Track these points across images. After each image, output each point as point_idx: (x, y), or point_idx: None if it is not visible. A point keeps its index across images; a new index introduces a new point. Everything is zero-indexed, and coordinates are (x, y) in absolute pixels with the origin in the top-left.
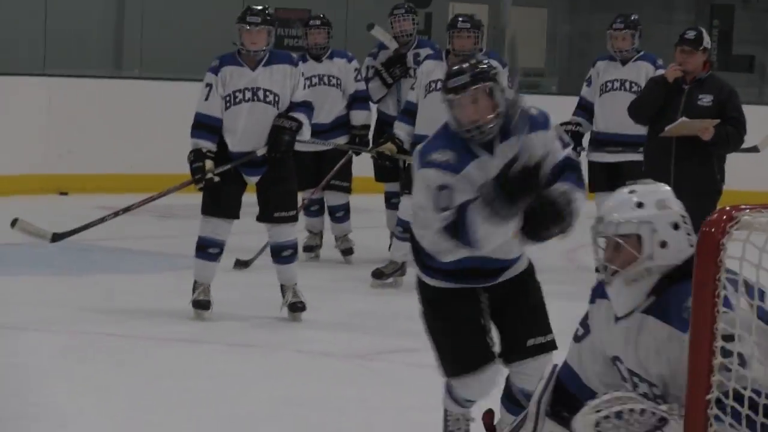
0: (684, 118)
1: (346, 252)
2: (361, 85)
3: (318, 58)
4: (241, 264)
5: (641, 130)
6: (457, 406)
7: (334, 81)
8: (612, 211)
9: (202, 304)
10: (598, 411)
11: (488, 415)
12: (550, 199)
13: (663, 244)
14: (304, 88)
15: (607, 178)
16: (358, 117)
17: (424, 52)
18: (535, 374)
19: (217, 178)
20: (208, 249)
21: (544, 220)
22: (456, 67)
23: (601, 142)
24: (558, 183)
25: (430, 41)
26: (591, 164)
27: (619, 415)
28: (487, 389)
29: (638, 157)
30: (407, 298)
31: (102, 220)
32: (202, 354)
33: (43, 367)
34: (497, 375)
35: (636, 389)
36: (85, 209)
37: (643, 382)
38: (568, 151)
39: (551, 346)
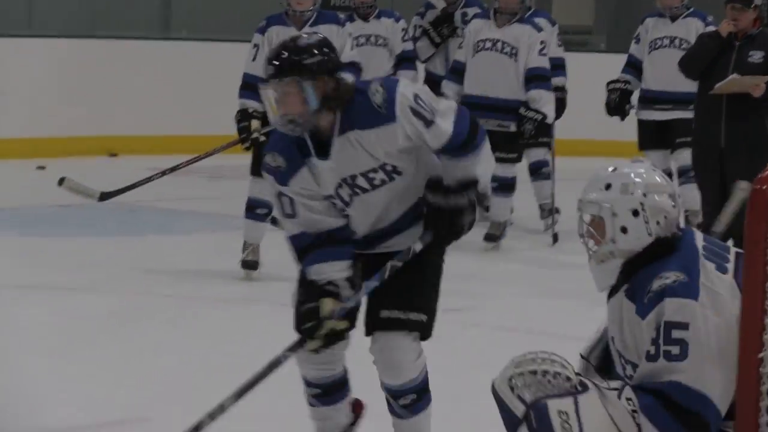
0: (734, 75)
1: None
2: (408, 45)
3: (365, 18)
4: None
5: (691, 87)
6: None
7: (381, 41)
8: (586, 188)
9: (250, 265)
10: (517, 367)
11: (357, 405)
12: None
13: (623, 230)
14: (351, 48)
15: (656, 136)
16: (404, 77)
17: (472, 11)
18: (384, 356)
19: (263, 138)
20: (256, 209)
21: (446, 232)
22: (273, 52)
23: (650, 99)
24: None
25: (478, 0)
26: (640, 122)
27: (533, 373)
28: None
29: (688, 114)
30: (455, 256)
31: (149, 179)
32: (251, 314)
33: (94, 328)
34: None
35: (625, 371)
36: (134, 171)
37: (628, 364)
38: (439, 126)
39: (410, 325)
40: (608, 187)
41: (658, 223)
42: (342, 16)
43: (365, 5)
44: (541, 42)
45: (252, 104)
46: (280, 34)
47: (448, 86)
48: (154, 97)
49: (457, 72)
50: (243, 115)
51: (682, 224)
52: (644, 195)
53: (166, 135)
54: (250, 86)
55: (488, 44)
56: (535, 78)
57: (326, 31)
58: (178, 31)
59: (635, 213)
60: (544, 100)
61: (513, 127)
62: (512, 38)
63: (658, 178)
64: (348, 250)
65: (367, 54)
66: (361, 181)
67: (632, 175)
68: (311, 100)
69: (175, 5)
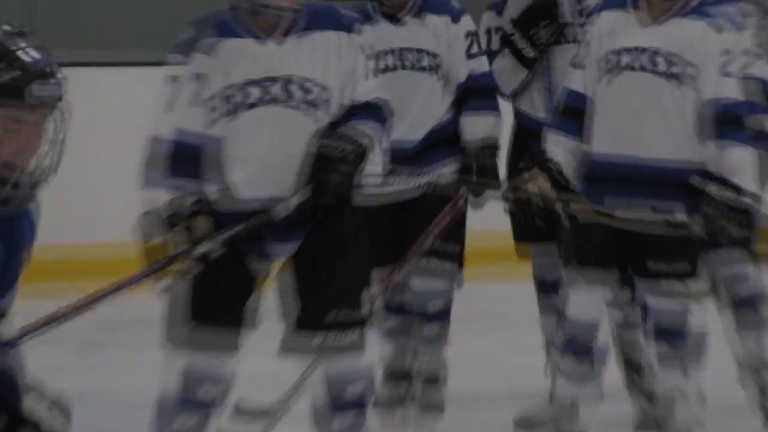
0: None
1: (430, 381)
2: (480, 65)
3: (394, 16)
4: (252, 415)
5: None
6: None
7: (426, 59)
8: None
9: None
10: None
11: None
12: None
13: None
14: (371, 75)
15: None
16: (475, 126)
17: None
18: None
19: (214, 254)
20: (194, 394)
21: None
22: None
23: None
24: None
25: None
26: None
27: None
28: None
29: None
30: None
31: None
32: None
33: None
34: None
35: None
36: None
37: None
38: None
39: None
40: None
41: None
42: (350, 14)
43: None
44: (727, 52)
45: (184, 189)
46: (234, 53)
47: (555, 141)
48: None
49: (571, 112)
50: (175, 213)
51: None
52: None
53: None
54: (175, 155)
55: (631, 58)
56: (724, 121)
57: (321, 43)
58: None
59: None
60: (742, 163)
61: (682, 217)
62: (679, 44)
63: None
64: None
65: (402, 85)
66: None
67: None
68: None
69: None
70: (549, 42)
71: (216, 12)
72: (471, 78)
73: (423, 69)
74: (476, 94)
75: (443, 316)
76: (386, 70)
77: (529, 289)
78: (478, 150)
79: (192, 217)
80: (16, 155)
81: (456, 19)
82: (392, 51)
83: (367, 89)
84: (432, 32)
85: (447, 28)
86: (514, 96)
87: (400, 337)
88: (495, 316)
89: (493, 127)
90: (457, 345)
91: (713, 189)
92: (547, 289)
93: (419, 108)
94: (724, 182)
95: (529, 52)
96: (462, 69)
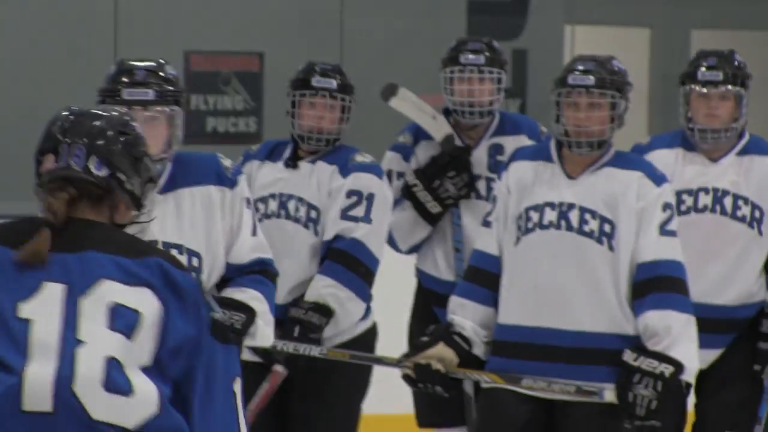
0: None
1: None
2: (353, 229)
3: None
4: None
5: None
6: None
7: (303, 211)
8: None
9: None
10: None
11: None
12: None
13: None
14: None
15: None
16: (325, 288)
17: (514, 140)
18: None
19: None
20: None
21: None
22: None
23: None
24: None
25: (525, 117)
26: None
27: None
28: None
29: None
30: None
31: None
32: None
33: None
34: None
35: None
36: None
37: None
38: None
39: None
40: None
41: None
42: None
43: (312, 131)
44: (666, 204)
45: None
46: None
47: (461, 306)
48: None
49: (477, 275)
50: None
51: None
52: None
53: None
54: None
55: (550, 214)
56: (664, 286)
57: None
58: None
59: None
60: (684, 333)
61: (608, 396)
62: (603, 199)
63: None
64: None
65: (280, 237)
66: None
67: None
68: None
69: None
70: (457, 196)
71: None
72: (338, 240)
73: (300, 220)
74: (340, 260)
75: None
76: (269, 216)
77: None
78: (311, 305)
79: None
80: None
81: (345, 172)
82: (275, 196)
83: (252, 243)
84: (316, 182)
85: (331, 179)
86: (412, 252)
87: None
88: None
89: (342, 302)
90: None
91: (647, 365)
92: None
93: (297, 265)
94: (661, 357)
95: (434, 207)
96: (331, 226)
